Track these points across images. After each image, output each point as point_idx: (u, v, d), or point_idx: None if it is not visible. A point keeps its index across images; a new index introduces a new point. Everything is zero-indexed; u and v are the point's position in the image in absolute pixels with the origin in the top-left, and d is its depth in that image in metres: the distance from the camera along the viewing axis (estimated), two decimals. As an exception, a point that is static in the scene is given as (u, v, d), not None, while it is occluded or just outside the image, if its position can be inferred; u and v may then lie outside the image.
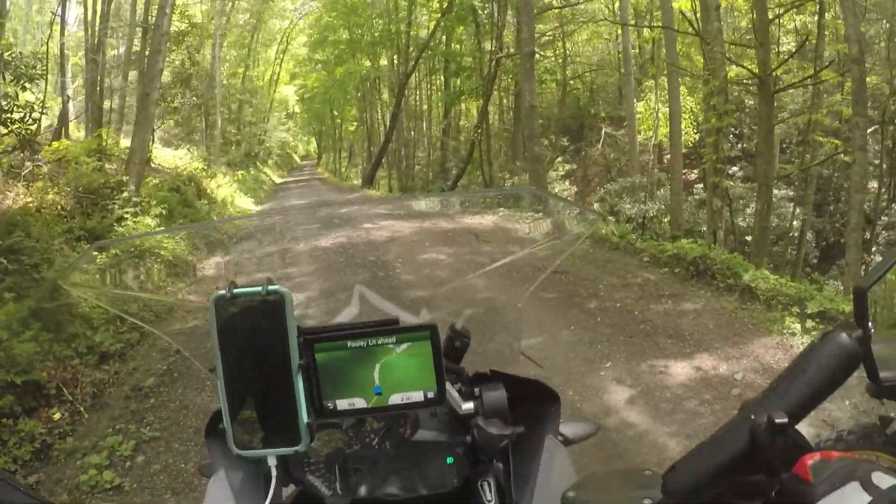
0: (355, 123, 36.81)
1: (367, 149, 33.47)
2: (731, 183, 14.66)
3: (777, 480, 0.61)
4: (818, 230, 15.15)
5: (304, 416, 0.83)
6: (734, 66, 11.82)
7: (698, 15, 11.48)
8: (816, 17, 13.95)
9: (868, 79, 18.16)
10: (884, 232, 14.30)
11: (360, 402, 0.90)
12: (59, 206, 7.60)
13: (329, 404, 0.89)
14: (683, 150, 16.08)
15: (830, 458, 0.60)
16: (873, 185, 18.80)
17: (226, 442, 1.00)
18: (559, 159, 19.92)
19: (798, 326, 5.47)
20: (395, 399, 0.91)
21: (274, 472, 0.84)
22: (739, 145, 16.18)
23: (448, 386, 1.06)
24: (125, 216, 8.75)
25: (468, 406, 1.03)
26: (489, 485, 1.05)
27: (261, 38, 32.13)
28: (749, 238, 12.70)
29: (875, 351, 1.51)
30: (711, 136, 9.86)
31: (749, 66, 10.90)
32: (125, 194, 9.25)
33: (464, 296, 1.44)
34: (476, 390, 1.05)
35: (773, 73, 10.05)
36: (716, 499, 0.65)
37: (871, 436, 2.29)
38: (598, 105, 21.87)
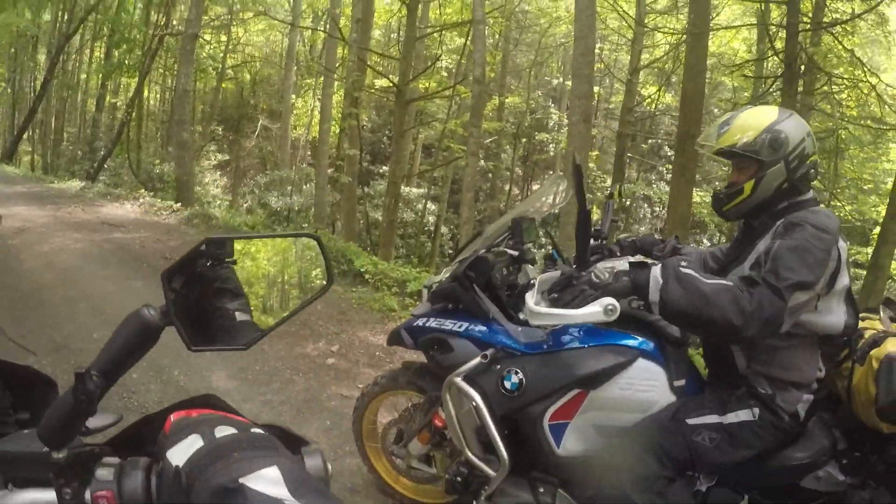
0: (2, 84, 30.92)
1: (11, 116, 28.43)
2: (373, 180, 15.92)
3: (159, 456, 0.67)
4: (455, 224, 17.39)
5: None
6: (381, 76, 12.93)
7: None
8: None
9: (511, 98, 21.46)
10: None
11: None
12: None
13: None
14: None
15: (190, 415, 0.69)
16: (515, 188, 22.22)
17: None
18: (213, 148, 19.32)
19: (395, 303, 6.32)
20: None
21: None
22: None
23: None
24: None
25: None
26: None
27: None
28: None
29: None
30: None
31: (392, 78, 12.01)
32: None
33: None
34: None
35: (409, 85, 11.32)
36: None
37: (397, 378, 2.77)
38: (258, 96, 21.91)
